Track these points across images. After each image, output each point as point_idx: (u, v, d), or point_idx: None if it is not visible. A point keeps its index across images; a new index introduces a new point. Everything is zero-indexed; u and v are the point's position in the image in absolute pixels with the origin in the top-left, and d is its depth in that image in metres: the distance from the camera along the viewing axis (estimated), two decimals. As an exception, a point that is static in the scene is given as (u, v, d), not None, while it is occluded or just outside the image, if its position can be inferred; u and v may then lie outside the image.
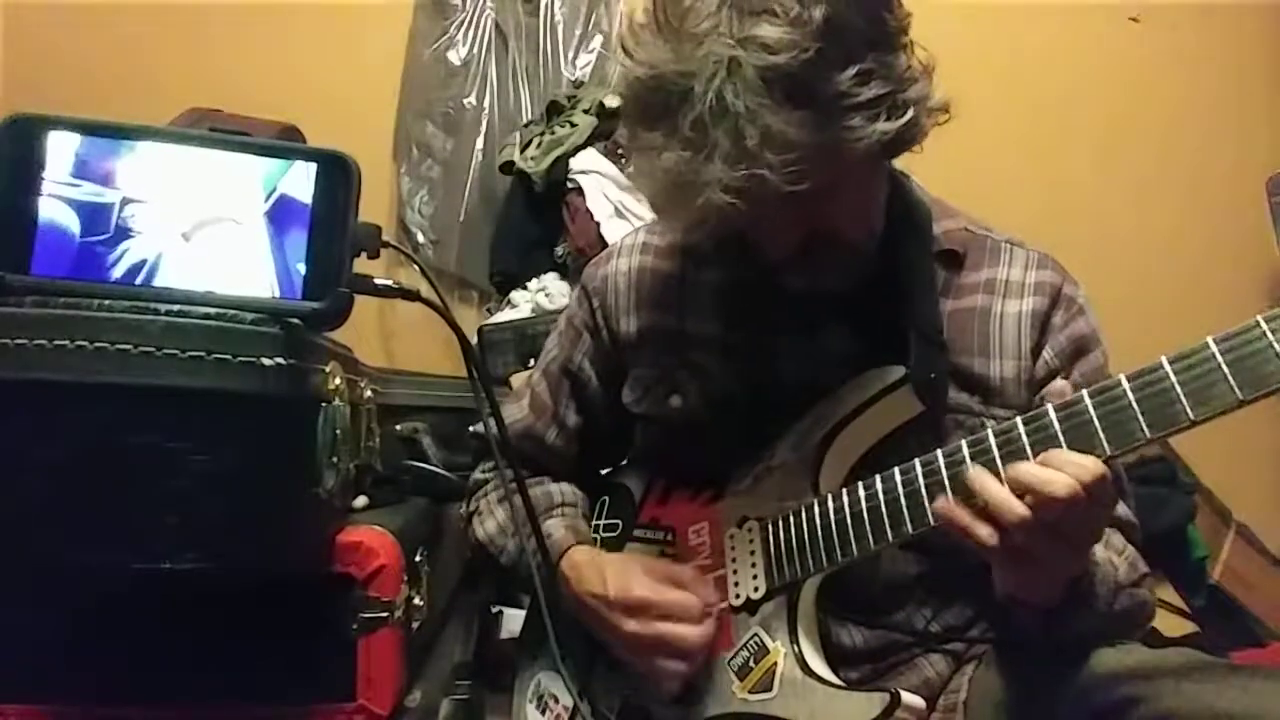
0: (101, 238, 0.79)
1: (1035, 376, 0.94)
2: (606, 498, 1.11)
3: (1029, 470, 0.72)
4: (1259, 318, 0.67)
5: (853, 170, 0.82)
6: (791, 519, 0.91)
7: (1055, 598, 0.80)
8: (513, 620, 1.47)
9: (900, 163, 0.93)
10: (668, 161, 0.78)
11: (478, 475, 1.16)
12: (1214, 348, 0.68)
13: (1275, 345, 0.66)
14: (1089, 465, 0.70)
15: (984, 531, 0.73)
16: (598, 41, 2.38)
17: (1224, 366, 0.67)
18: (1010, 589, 0.82)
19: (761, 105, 0.73)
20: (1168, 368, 0.69)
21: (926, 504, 0.81)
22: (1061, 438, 0.73)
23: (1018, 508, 0.71)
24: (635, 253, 1.08)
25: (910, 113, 0.79)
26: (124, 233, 0.80)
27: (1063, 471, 0.70)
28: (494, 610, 1.59)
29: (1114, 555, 0.89)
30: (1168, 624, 1.84)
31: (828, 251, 0.87)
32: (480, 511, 1.11)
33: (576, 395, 1.11)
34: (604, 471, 1.17)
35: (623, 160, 2.06)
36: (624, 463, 1.15)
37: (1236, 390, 0.67)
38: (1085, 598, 0.82)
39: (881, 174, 0.92)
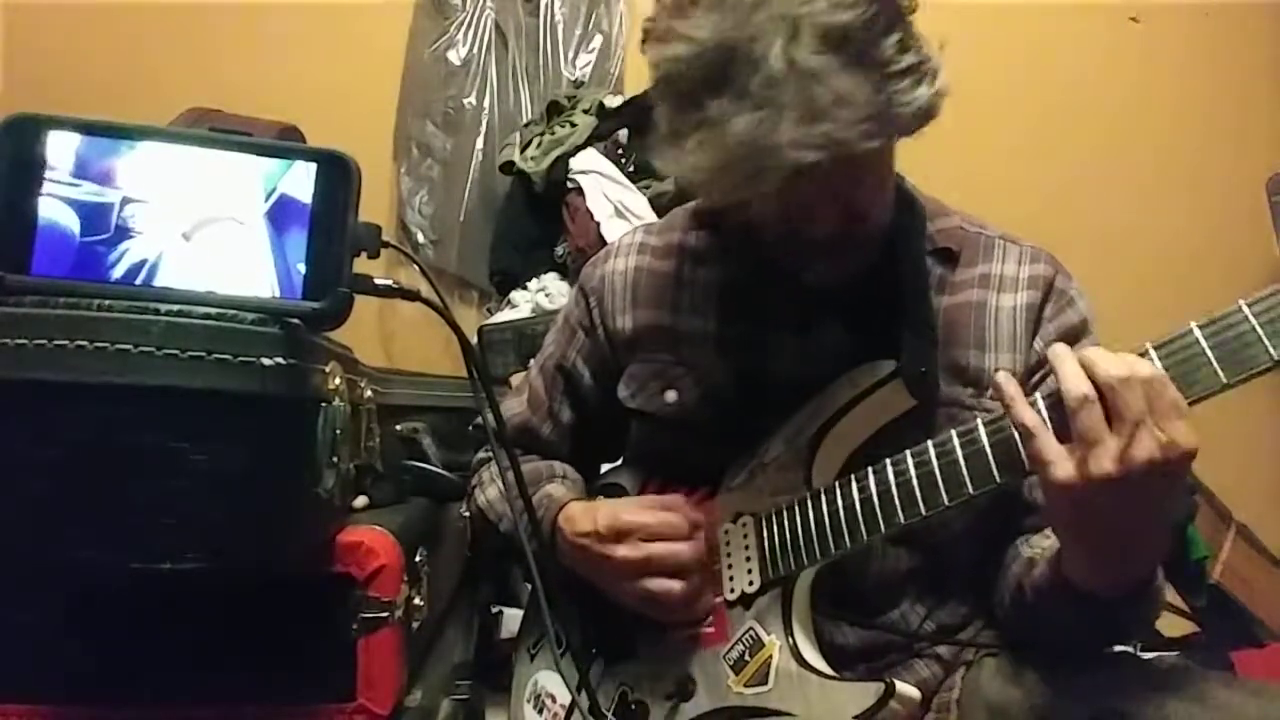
0: (101, 238, 0.79)
1: (1029, 366, 0.95)
2: (601, 497, 1.11)
3: (1093, 350, 0.70)
4: (1241, 302, 0.68)
5: (891, 143, 0.84)
6: (785, 513, 0.91)
7: (1121, 582, 0.77)
8: (513, 620, 1.47)
9: (901, 161, 0.93)
10: (739, 125, 0.76)
11: (480, 455, 1.18)
12: (1197, 332, 0.69)
13: (1258, 328, 0.67)
14: (1144, 364, 0.68)
15: (1029, 416, 0.71)
16: (598, 41, 2.38)
17: (1208, 350, 0.69)
18: (1076, 556, 0.78)
19: (828, 65, 0.74)
20: (1153, 354, 0.70)
21: (918, 494, 0.81)
22: (1049, 425, 0.73)
23: (1082, 383, 0.68)
24: (633, 252, 1.08)
25: (938, 82, 0.80)
26: (124, 232, 0.80)
27: (1123, 359, 0.69)
28: (494, 610, 1.60)
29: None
30: (1168, 624, 1.84)
31: (855, 237, 0.88)
32: (482, 482, 1.14)
33: (570, 392, 1.12)
34: (604, 469, 1.17)
35: (623, 160, 2.07)
36: (618, 463, 1.16)
37: (1220, 374, 0.68)
38: (1146, 599, 0.80)
39: (893, 162, 0.92)
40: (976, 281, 0.97)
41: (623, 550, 0.93)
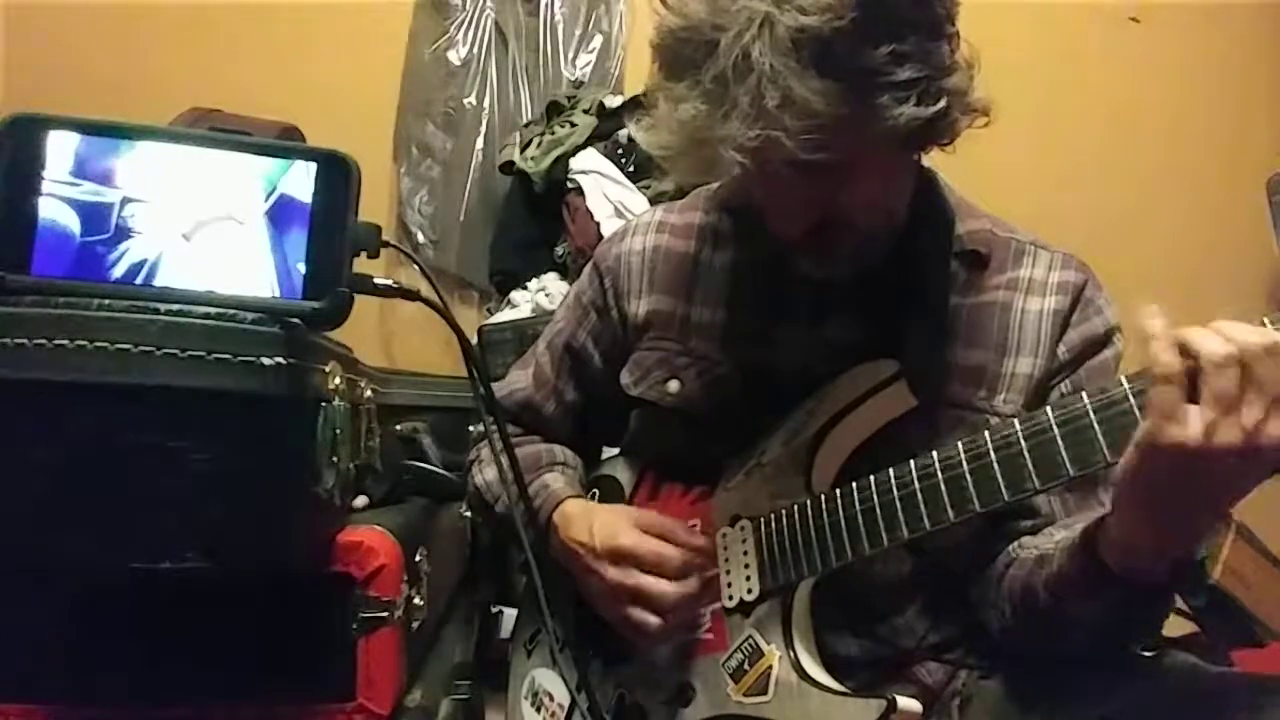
0: (101, 237, 0.79)
1: (1048, 372, 0.93)
2: (596, 491, 1.10)
3: (1226, 322, 0.65)
4: (1265, 319, 0.65)
5: (875, 155, 0.81)
6: (784, 518, 0.90)
7: (1169, 557, 0.73)
8: (512, 620, 1.47)
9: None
10: (685, 113, 0.76)
11: (480, 429, 1.18)
12: None
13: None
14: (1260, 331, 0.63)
15: (1172, 360, 0.64)
16: (598, 41, 2.38)
17: None
18: (1138, 525, 0.72)
19: (787, 67, 0.72)
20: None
21: (921, 507, 0.79)
22: (1060, 442, 0.72)
23: (1225, 344, 0.63)
24: (651, 231, 1.06)
25: (943, 102, 0.78)
26: (124, 232, 0.80)
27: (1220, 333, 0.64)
28: (494, 610, 1.60)
29: None
30: (1168, 624, 1.83)
31: (842, 239, 0.86)
32: (481, 459, 1.12)
33: (577, 373, 1.11)
34: (603, 457, 1.17)
35: (623, 160, 2.07)
36: (615, 453, 1.15)
37: None
38: (1176, 584, 0.77)
39: (907, 168, 0.91)
40: (1005, 285, 0.95)
41: (613, 574, 0.92)
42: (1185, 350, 0.64)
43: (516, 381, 1.14)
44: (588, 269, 1.12)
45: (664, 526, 0.95)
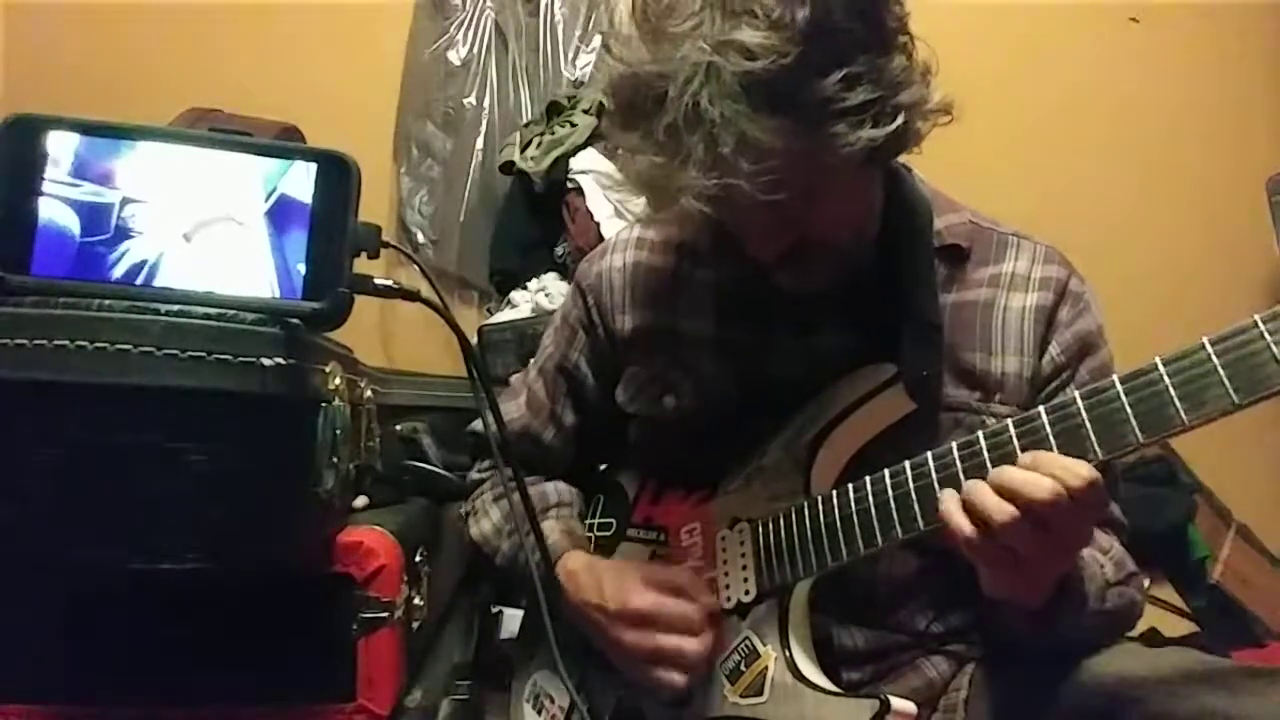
0: (101, 238, 0.79)
1: (1041, 372, 0.93)
2: (601, 496, 1.11)
3: (1012, 474, 0.70)
4: (1256, 318, 0.64)
5: (839, 177, 0.80)
6: (781, 521, 0.90)
7: (1041, 599, 0.79)
8: (513, 620, 1.47)
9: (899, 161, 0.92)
10: (641, 164, 0.77)
11: (474, 475, 1.16)
12: (1209, 349, 0.66)
13: (1273, 347, 0.63)
14: (1077, 470, 0.69)
15: (967, 528, 0.72)
16: (598, 41, 2.38)
17: (1219, 369, 0.65)
18: (995, 590, 0.79)
19: (738, 112, 0.72)
20: (1161, 369, 0.68)
21: (916, 507, 0.80)
22: (1052, 441, 0.72)
23: (1004, 511, 0.70)
24: (630, 248, 1.06)
25: (901, 118, 0.77)
26: (124, 233, 0.80)
27: (1050, 475, 0.69)
28: (494, 610, 1.59)
29: (1099, 554, 0.88)
30: (1168, 624, 1.84)
31: (817, 255, 0.86)
32: (476, 511, 1.11)
33: (573, 394, 1.10)
34: (601, 468, 1.16)
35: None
36: (619, 461, 1.15)
37: (1232, 394, 0.65)
38: (1072, 598, 0.81)
39: (873, 179, 0.90)
40: (987, 281, 0.95)
41: (631, 636, 0.91)
42: (972, 512, 0.72)
43: (509, 413, 1.12)
44: (570, 290, 1.11)
45: (675, 582, 0.94)
